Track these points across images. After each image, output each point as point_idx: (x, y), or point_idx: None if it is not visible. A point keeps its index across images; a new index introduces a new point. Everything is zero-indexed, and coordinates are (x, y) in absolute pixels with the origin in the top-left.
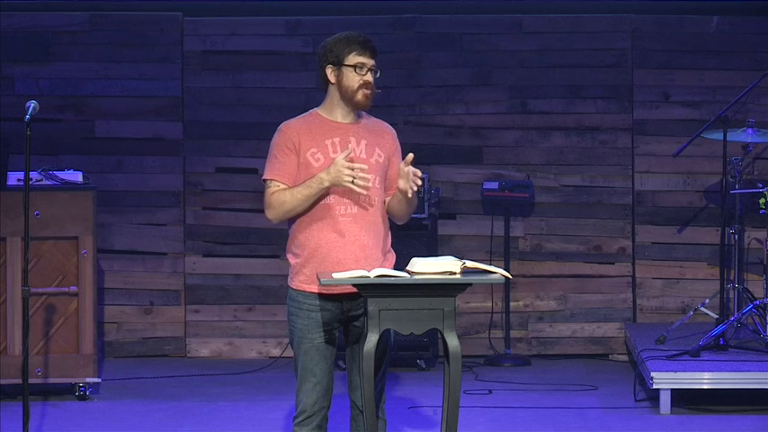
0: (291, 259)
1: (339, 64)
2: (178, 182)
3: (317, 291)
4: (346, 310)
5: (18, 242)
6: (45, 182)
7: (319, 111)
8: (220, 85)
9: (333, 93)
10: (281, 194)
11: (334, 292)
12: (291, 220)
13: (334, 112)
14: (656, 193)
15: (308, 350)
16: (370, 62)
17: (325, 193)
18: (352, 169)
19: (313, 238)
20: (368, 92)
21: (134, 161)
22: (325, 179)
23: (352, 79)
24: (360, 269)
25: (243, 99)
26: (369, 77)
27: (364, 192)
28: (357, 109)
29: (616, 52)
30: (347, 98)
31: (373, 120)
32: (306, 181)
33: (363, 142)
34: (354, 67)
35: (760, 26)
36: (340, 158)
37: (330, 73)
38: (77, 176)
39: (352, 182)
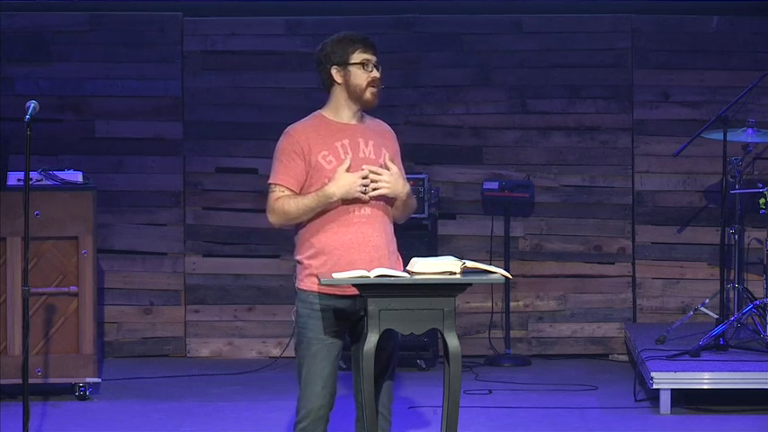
0: (304, 260)
1: (345, 63)
2: (178, 182)
3: (331, 292)
4: (358, 309)
5: (18, 242)
6: (45, 182)
7: (324, 113)
8: (220, 85)
9: (339, 93)
10: (286, 202)
11: (347, 293)
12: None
13: (340, 113)
14: (656, 193)
15: (318, 351)
16: (373, 58)
17: None
18: (364, 177)
19: (329, 240)
20: (375, 89)
21: (134, 161)
22: (335, 194)
23: (360, 77)
24: (374, 270)
25: (243, 99)
26: (376, 74)
27: (379, 192)
28: (365, 107)
29: (616, 52)
30: (355, 97)
31: (374, 120)
32: (313, 192)
33: (371, 143)
34: (361, 64)
35: (760, 26)
36: (347, 174)
37: (336, 73)
38: (77, 176)
39: (364, 192)
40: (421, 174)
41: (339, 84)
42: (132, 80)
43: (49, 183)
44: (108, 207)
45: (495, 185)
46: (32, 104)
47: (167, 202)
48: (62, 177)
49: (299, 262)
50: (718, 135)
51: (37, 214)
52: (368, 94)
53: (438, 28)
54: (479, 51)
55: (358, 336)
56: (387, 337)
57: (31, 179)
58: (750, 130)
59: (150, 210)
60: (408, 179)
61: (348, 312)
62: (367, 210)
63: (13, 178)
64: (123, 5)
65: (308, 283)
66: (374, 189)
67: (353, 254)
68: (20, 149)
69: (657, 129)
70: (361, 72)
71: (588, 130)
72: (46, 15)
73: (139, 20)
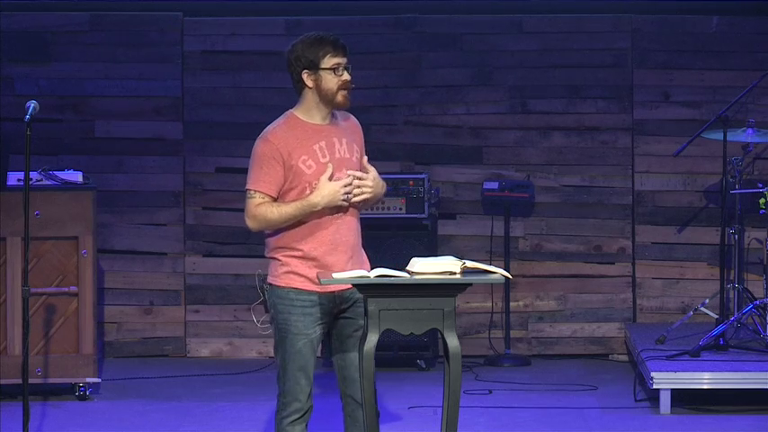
0: (282, 257)
1: (315, 68)
2: (178, 182)
3: (312, 289)
4: (338, 303)
5: (18, 242)
6: (45, 182)
7: (297, 114)
8: (220, 86)
9: (310, 96)
10: (268, 209)
11: (328, 289)
12: None
13: (313, 115)
14: (656, 193)
15: (304, 346)
16: (344, 61)
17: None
18: (347, 185)
19: (307, 240)
20: (346, 91)
21: (134, 161)
22: (319, 203)
23: (331, 81)
24: (349, 270)
25: (243, 99)
26: (346, 76)
27: (362, 197)
28: (337, 109)
29: (616, 52)
30: (327, 100)
31: (342, 115)
32: (296, 201)
33: (344, 141)
34: (332, 69)
35: (760, 26)
36: (330, 182)
37: (307, 77)
38: (77, 176)
39: (347, 198)
40: (421, 174)
41: (310, 88)
42: (132, 80)
43: (49, 183)
44: (108, 207)
45: (495, 185)
46: (32, 104)
47: (167, 202)
48: (62, 177)
49: (275, 259)
50: (718, 135)
51: (37, 214)
52: (339, 97)
53: (438, 28)
54: (479, 51)
55: (344, 329)
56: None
57: (31, 179)
58: (750, 130)
59: (150, 210)
60: (408, 179)
61: (329, 308)
62: (343, 210)
63: (13, 178)
64: (123, 5)
65: (286, 280)
66: (359, 194)
67: (332, 254)
68: (20, 149)
69: (657, 129)
70: (332, 77)
71: (588, 130)
72: (46, 15)
73: (139, 20)
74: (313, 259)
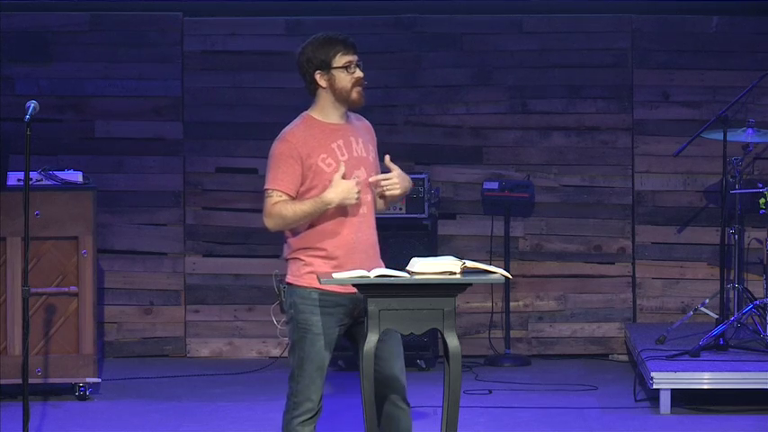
0: (305, 257)
1: (328, 67)
2: (178, 182)
3: (335, 289)
4: (358, 304)
5: (18, 242)
6: (45, 182)
7: (313, 115)
8: (220, 85)
9: (325, 96)
10: (283, 207)
11: (350, 290)
12: None
13: (329, 114)
14: (656, 193)
15: (323, 346)
16: (355, 58)
17: None
18: (359, 182)
19: (329, 240)
20: (360, 88)
21: (134, 161)
22: (333, 200)
23: (345, 79)
24: (371, 268)
25: (242, 99)
26: (359, 73)
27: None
28: (353, 107)
29: (616, 52)
30: (342, 99)
31: (355, 116)
32: (311, 199)
33: (360, 140)
34: (345, 67)
35: (760, 26)
36: (344, 180)
37: (320, 78)
38: (77, 176)
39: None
40: (421, 174)
41: (324, 88)
42: (132, 80)
43: (49, 183)
44: (108, 207)
45: (495, 185)
46: (32, 104)
47: (167, 202)
48: (62, 177)
49: (298, 259)
50: (718, 135)
51: (37, 214)
52: (354, 95)
53: (438, 28)
54: (479, 51)
55: (363, 336)
56: (392, 336)
57: (31, 179)
58: (750, 130)
59: (150, 210)
60: None
61: (350, 309)
62: (364, 209)
63: (13, 178)
64: (123, 5)
65: (308, 280)
66: (389, 190)
67: (354, 253)
68: (20, 149)
69: (657, 129)
70: (345, 75)
71: (588, 130)
72: (46, 15)
73: (139, 20)
74: (335, 258)
